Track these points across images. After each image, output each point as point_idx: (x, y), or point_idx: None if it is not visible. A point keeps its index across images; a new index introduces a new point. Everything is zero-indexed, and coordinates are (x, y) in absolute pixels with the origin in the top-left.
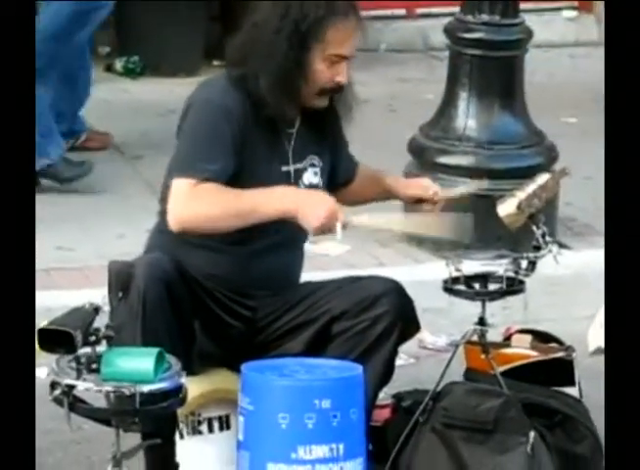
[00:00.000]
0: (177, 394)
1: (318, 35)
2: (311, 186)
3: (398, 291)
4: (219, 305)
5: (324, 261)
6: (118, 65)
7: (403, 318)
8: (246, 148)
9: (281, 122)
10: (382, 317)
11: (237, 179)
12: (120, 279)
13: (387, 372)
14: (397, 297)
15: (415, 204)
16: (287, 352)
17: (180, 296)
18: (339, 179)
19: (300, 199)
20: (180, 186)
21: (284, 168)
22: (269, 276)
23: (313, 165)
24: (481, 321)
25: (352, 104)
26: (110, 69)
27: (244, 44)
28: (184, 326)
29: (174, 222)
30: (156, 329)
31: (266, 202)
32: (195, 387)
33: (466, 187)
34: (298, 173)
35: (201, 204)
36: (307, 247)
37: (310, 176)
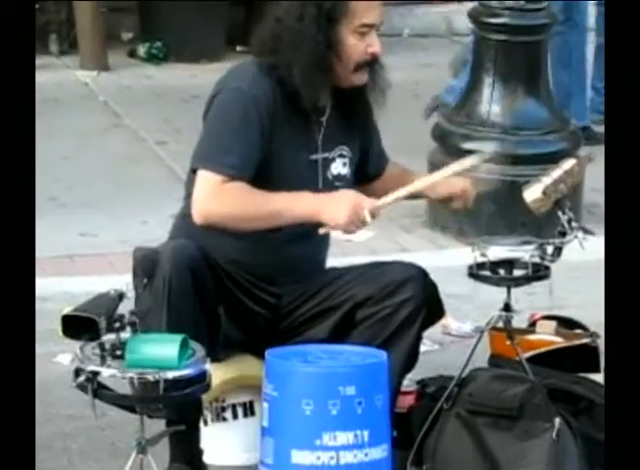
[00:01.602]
0: (201, 380)
1: (341, 10)
2: (339, 176)
3: (422, 276)
4: (244, 291)
5: (347, 248)
6: (142, 50)
7: (427, 304)
8: (275, 136)
9: (312, 111)
10: (406, 303)
11: (265, 167)
12: (146, 265)
13: (411, 358)
14: (421, 282)
15: (445, 202)
16: (311, 338)
17: (205, 282)
18: (367, 172)
19: (323, 202)
20: (206, 180)
21: (312, 157)
22: (295, 263)
23: (342, 156)
24: (507, 307)
25: (384, 87)
26: (133, 54)
27: (269, 38)
28: (209, 312)
29: (198, 217)
30: (181, 315)
31: (291, 207)
32: (219, 373)
33: (478, 156)
34: (327, 162)
35: (226, 203)
36: (332, 233)
37: (339, 166)
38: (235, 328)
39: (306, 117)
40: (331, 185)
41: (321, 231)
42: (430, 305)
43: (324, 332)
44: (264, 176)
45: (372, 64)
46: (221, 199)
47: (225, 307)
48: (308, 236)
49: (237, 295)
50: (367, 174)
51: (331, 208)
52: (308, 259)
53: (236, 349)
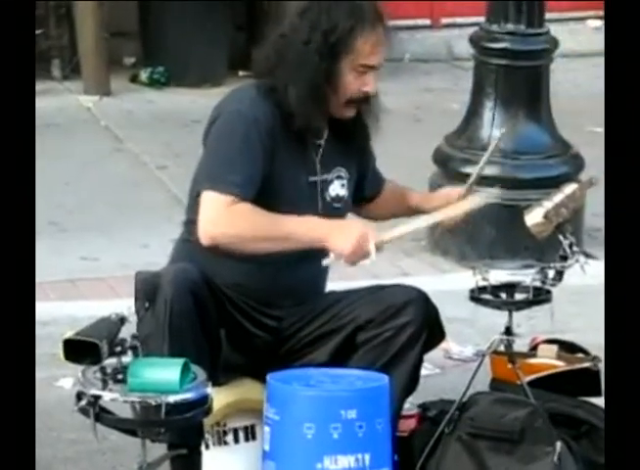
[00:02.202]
0: (203, 404)
1: (347, 46)
2: (337, 198)
3: (423, 299)
4: (245, 315)
5: (349, 271)
6: (144, 75)
7: (428, 327)
8: (274, 158)
9: (309, 133)
10: (406, 326)
11: (265, 189)
12: (147, 289)
13: (412, 381)
14: (422, 305)
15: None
16: (312, 361)
17: (207, 306)
18: (365, 193)
19: (331, 228)
20: (213, 201)
21: (311, 179)
22: (296, 286)
23: (340, 178)
24: (508, 331)
25: (379, 114)
26: (135, 79)
27: (272, 55)
28: (210, 336)
29: (205, 238)
30: (182, 339)
31: (298, 231)
32: (220, 397)
33: (475, 202)
34: (325, 184)
35: (234, 225)
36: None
37: (337, 188)
38: (236, 352)
39: (304, 139)
40: (330, 207)
41: (324, 262)
42: (430, 328)
43: (325, 355)
44: (264, 198)
45: (363, 101)
46: (229, 220)
47: (226, 331)
48: (309, 259)
49: (238, 318)
50: (364, 196)
51: (337, 236)
52: (309, 283)
53: (237, 372)
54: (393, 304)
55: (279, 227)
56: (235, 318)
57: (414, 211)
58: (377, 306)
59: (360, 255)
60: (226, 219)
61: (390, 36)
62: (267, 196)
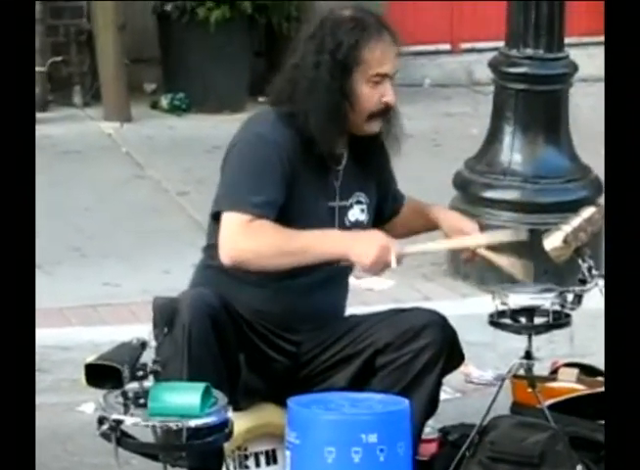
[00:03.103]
0: (224, 428)
1: (356, 59)
2: (357, 222)
3: (441, 322)
4: (264, 339)
5: (369, 296)
6: (164, 101)
7: (447, 350)
8: (294, 183)
9: (329, 159)
10: (425, 349)
11: (284, 213)
12: (165, 314)
13: (431, 404)
14: (441, 328)
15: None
16: (332, 385)
17: (225, 330)
18: (384, 214)
19: (351, 240)
20: (232, 221)
21: (330, 204)
22: (316, 311)
23: (359, 202)
24: (528, 355)
25: (399, 134)
26: (156, 105)
27: (286, 86)
28: (229, 361)
29: (225, 257)
30: (201, 364)
31: (318, 244)
32: (241, 421)
33: (505, 235)
34: (344, 210)
35: (253, 241)
36: (352, 282)
37: (356, 213)
38: (255, 376)
39: (324, 164)
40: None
41: (352, 276)
42: (449, 351)
43: (344, 380)
44: (283, 223)
45: (386, 113)
46: (248, 237)
47: (245, 355)
48: (328, 283)
49: (257, 343)
50: (384, 216)
51: (359, 246)
52: (328, 308)
53: (257, 397)
54: (412, 327)
55: (299, 241)
56: (254, 342)
57: (434, 227)
58: (395, 330)
59: (381, 265)
60: (245, 236)
61: (399, 41)
62: (287, 221)
